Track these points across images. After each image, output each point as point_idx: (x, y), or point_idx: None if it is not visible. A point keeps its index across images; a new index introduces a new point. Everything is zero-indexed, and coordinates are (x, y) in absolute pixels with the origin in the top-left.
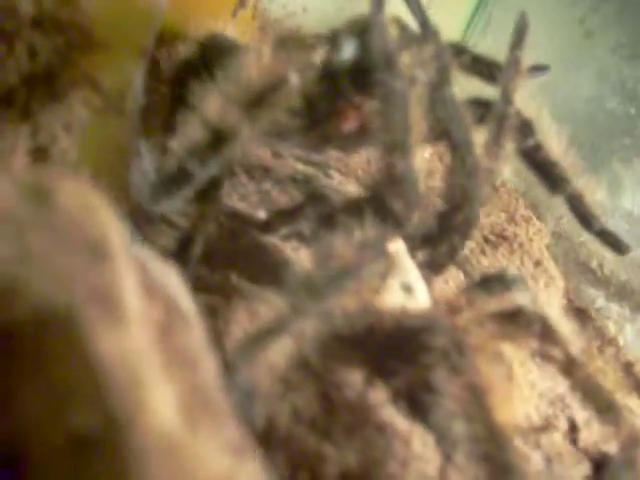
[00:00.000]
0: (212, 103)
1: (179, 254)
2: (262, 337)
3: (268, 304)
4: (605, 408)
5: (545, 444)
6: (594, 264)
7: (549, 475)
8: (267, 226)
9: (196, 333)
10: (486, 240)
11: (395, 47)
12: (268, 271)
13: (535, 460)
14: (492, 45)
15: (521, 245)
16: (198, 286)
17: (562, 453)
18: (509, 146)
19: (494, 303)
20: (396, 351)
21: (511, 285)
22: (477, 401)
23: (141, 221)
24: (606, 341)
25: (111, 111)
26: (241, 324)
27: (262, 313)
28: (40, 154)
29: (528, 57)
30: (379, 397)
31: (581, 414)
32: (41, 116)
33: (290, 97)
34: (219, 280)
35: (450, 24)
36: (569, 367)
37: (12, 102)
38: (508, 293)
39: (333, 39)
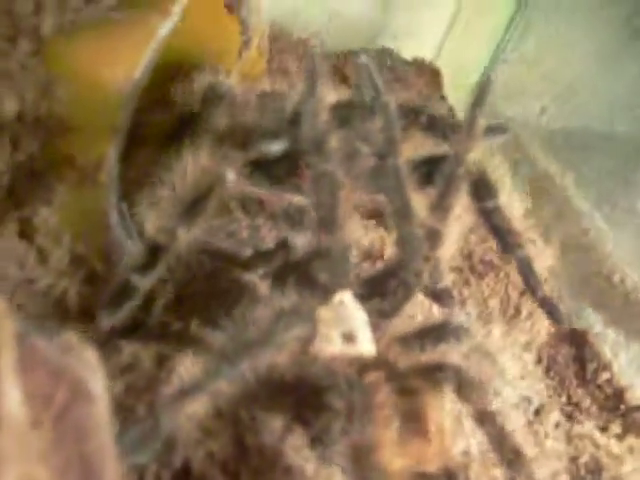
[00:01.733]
0: (150, 217)
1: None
2: (182, 394)
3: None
4: (511, 459)
5: None
6: (616, 278)
7: None
8: (247, 265)
9: (96, 410)
10: (472, 270)
11: (325, 130)
12: (238, 311)
13: None
14: (533, 47)
15: (507, 274)
16: (158, 334)
17: None
18: (459, 207)
19: (421, 357)
20: (312, 403)
21: (450, 336)
22: (361, 460)
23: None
24: (601, 366)
25: (87, 183)
26: (181, 375)
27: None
28: (25, 222)
29: (570, 58)
30: (296, 442)
31: None
32: (23, 194)
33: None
34: (179, 329)
35: (488, 29)
36: (481, 420)
37: None
38: (442, 345)
39: (257, 143)
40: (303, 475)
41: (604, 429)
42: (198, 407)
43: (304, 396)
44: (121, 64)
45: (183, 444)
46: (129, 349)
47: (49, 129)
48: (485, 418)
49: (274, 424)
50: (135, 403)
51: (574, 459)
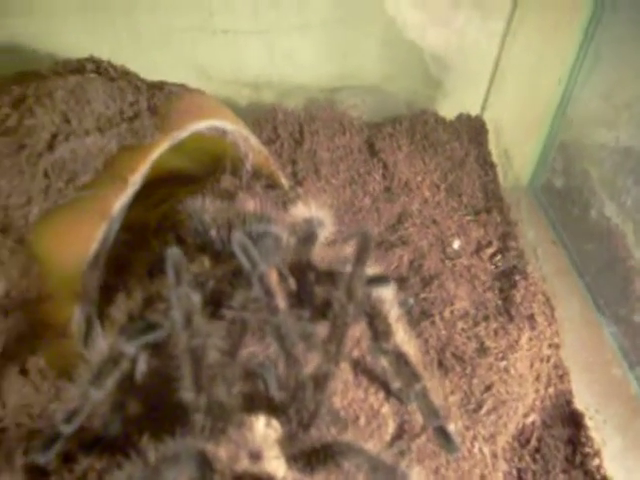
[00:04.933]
0: None
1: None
2: None
3: None
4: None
5: None
6: None
7: None
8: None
9: None
10: (440, 363)
11: None
12: None
13: None
14: (602, 81)
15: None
16: (113, 446)
17: None
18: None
19: None
20: None
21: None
22: None
23: None
24: (594, 451)
25: (61, 335)
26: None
27: None
28: (22, 366)
29: None
30: None
31: None
32: (16, 348)
33: None
34: (133, 442)
35: (557, 61)
36: None
37: None
38: None
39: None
40: None
41: None
42: None
43: None
44: (77, 242)
45: None
46: (85, 462)
47: (28, 301)
48: None
49: None
50: None
51: None
